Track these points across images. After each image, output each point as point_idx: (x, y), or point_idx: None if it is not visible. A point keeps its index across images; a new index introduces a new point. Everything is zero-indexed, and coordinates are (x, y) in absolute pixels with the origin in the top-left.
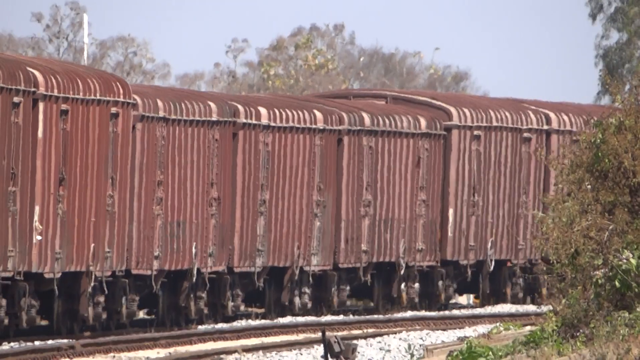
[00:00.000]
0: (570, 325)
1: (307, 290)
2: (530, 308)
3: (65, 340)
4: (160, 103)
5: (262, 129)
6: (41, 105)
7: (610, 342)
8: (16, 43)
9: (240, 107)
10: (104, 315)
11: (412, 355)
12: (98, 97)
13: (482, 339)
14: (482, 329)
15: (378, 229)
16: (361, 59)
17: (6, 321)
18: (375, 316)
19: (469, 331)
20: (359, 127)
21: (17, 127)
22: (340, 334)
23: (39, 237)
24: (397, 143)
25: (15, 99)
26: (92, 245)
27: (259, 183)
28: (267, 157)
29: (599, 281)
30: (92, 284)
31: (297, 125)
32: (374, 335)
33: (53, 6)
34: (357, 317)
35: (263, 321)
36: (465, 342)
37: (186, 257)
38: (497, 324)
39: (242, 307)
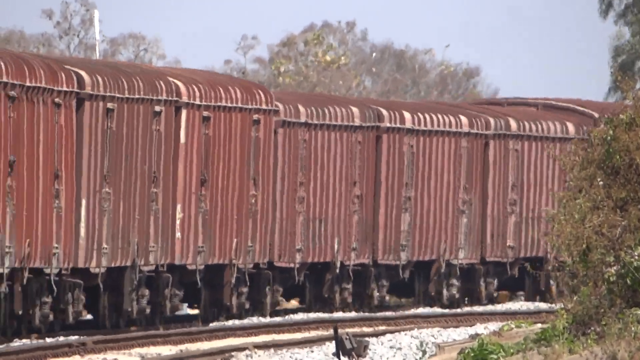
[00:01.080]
0: (581, 323)
1: (455, 282)
2: (542, 305)
3: (75, 337)
4: (302, 109)
5: (406, 132)
6: (183, 113)
7: (621, 339)
8: (27, 40)
9: (384, 111)
10: (247, 305)
11: (424, 352)
12: (240, 105)
13: (493, 336)
14: (493, 326)
15: (525, 226)
16: (373, 55)
17: (148, 310)
18: (387, 313)
19: (480, 328)
20: (505, 132)
21: (159, 134)
22: (351, 330)
23: (178, 234)
24: (544, 146)
25: (157, 108)
26: (235, 240)
27: (403, 181)
28: (412, 158)
29: (611, 278)
30: (235, 275)
31: (442, 129)
32: (385, 333)
33: (63, 2)
34: (368, 314)
35: (274, 318)
36: (477, 339)
37: (328, 250)
38: (509, 321)
39: (387, 297)
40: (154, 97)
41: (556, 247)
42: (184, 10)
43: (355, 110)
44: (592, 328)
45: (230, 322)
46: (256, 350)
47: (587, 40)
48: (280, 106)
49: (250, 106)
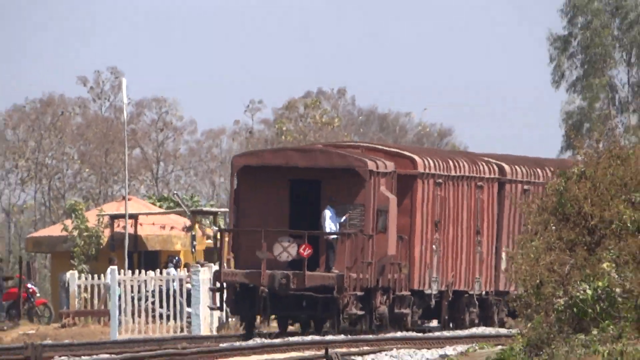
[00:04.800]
0: (534, 346)
1: None
2: (502, 330)
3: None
4: None
5: None
6: (507, 187)
7: None
8: (66, 103)
9: None
10: None
11: None
12: None
13: (460, 356)
14: (461, 347)
15: None
16: (360, 118)
17: (477, 329)
18: (370, 336)
19: (450, 350)
20: None
21: (481, 201)
22: (340, 351)
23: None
24: None
25: (479, 183)
26: None
27: None
28: None
29: (560, 308)
30: None
31: None
32: (368, 353)
33: (96, 71)
34: (354, 337)
35: (274, 340)
36: (446, 359)
37: None
38: (474, 344)
39: None
40: (477, 175)
41: (514, 281)
42: (200, 76)
43: None
44: (544, 350)
45: (224, 344)
46: None
47: (543, 108)
48: None
49: None
